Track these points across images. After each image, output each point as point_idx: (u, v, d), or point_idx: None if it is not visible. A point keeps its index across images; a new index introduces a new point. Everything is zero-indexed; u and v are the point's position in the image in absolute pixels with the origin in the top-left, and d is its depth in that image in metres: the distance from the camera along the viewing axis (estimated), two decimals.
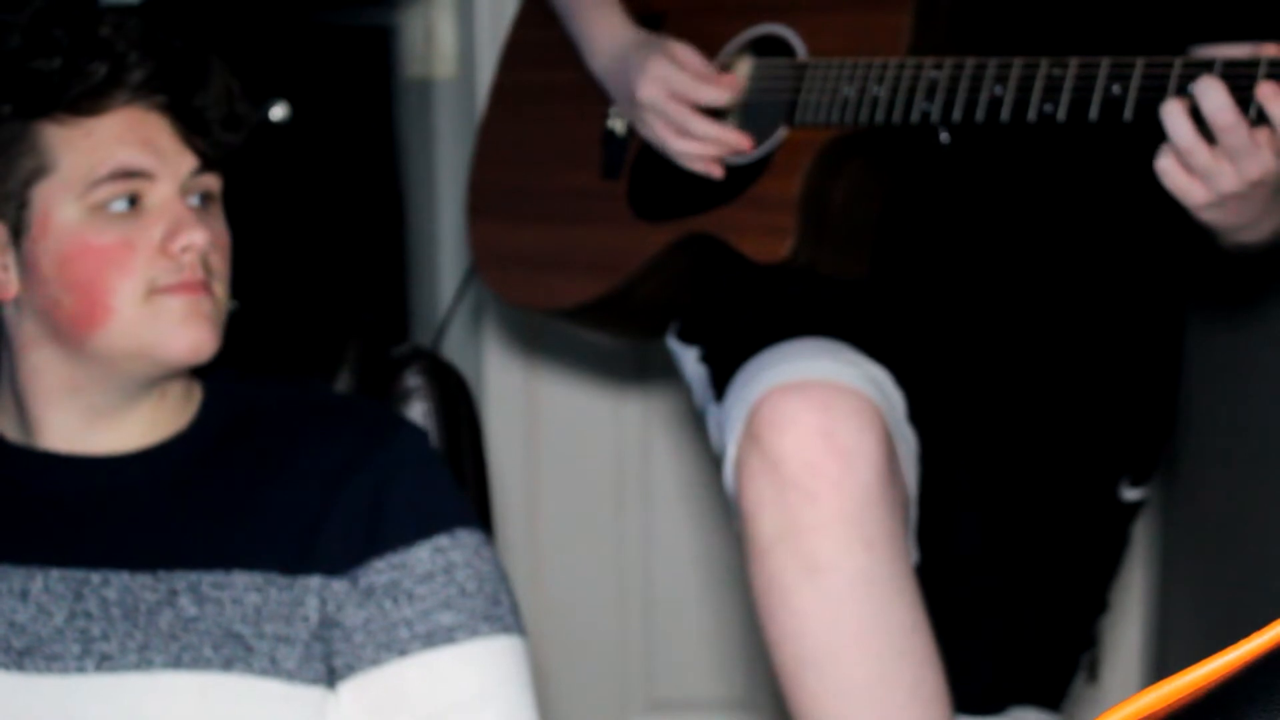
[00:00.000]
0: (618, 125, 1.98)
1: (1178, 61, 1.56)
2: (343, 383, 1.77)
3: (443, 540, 1.57)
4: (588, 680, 3.02)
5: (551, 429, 3.01)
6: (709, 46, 1.91)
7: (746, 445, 1.72)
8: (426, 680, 1.54)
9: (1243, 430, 2.52)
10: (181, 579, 1.54)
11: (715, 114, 1.87)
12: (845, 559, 1.67)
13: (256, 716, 1.53)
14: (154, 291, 1.51)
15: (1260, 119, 1.52)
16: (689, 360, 1.95)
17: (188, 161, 1.53)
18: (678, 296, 1.97)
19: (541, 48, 2.10)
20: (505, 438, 2.94)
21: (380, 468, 1.58)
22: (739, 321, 1.87)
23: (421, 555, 1.56)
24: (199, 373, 1.62)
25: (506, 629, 1.58)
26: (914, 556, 1.80)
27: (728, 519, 1.83)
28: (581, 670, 3.01)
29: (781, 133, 1.85)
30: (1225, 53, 1.56)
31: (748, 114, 1.89)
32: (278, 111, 2.95)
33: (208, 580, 1.53)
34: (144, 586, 1.53)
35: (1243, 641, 0.72)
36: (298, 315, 1.89)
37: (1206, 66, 1.54)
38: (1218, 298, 2.38)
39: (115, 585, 1.53)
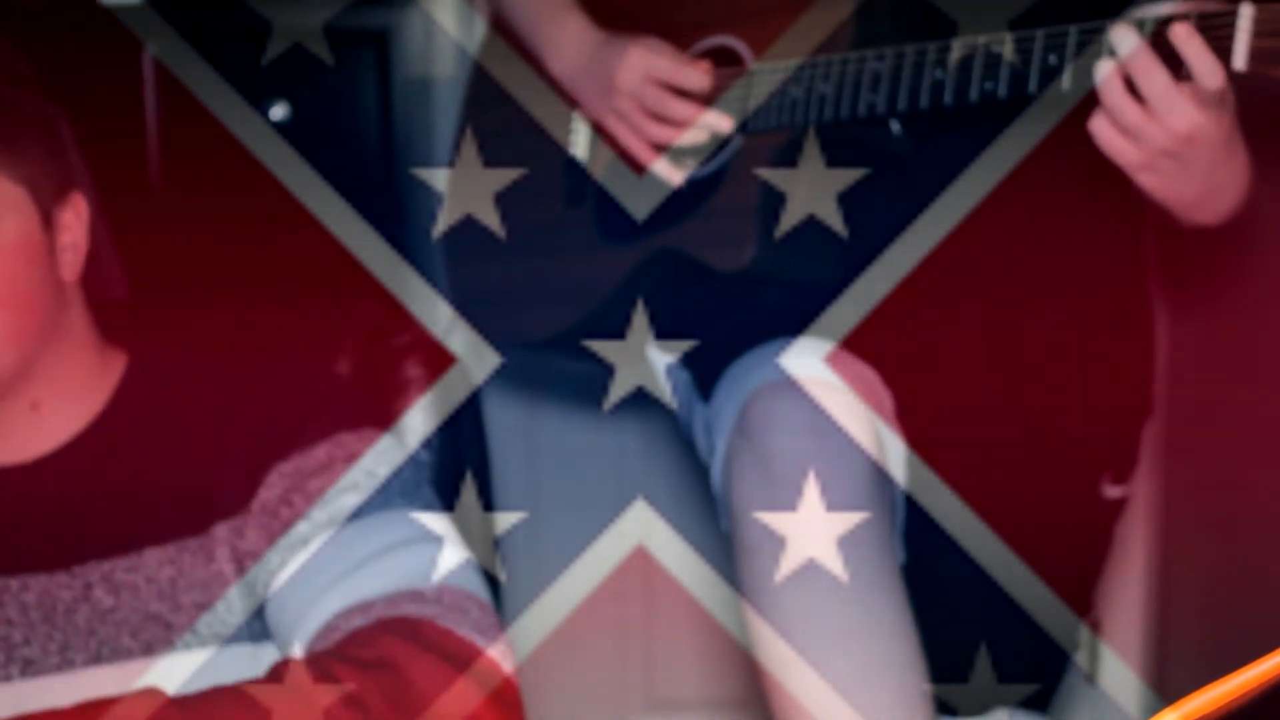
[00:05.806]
0: (579, 151, 1.99)
1: (1109, 26, 1.55)
2: (340, 372, 1.76)
3: (345, 436, 1.50)
4: (588, 680, 3.01)
5: (552, 426, 3.01)
6: None
7: (737, 443, 1.71)
8: (332, 551, 1.45)
9: (1243, 426, 2.52)
10: (95, 570, 1.53)
11: None
12: (832, 559, 1.66)
13: (188, 691, 1.50)
14: None
15: (1184, 73, 1.50)
16: (671, 367, 1.94)
17: None
18: (652, 316, 1.96)
19: (502, 86, 2.10)
20: (506, 435, 2.93)
21: (273, 393, 1.52)
22: (720, 327, 1.86)
23: (318, 453, 1.49)
24: (132, 356, 1.60)
25: (431, 508, 1.48)
26: (900, 557, 1.79)
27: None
28: (581, 670, 3.00)
29: (736, 141, 1.85)
30: (1157, 10, 1.55)
31: None
32: (278, 111, 2.94)
33: (121, 566, 1.52)
34: (61, 585, 1.52)
35: (1256, 663, 0.72)
36: (296, 312, 1.89)
37: (1137, 26, 1.53)
38: (1215, 292, 2.38)
39: (34, 589, 1.53)
